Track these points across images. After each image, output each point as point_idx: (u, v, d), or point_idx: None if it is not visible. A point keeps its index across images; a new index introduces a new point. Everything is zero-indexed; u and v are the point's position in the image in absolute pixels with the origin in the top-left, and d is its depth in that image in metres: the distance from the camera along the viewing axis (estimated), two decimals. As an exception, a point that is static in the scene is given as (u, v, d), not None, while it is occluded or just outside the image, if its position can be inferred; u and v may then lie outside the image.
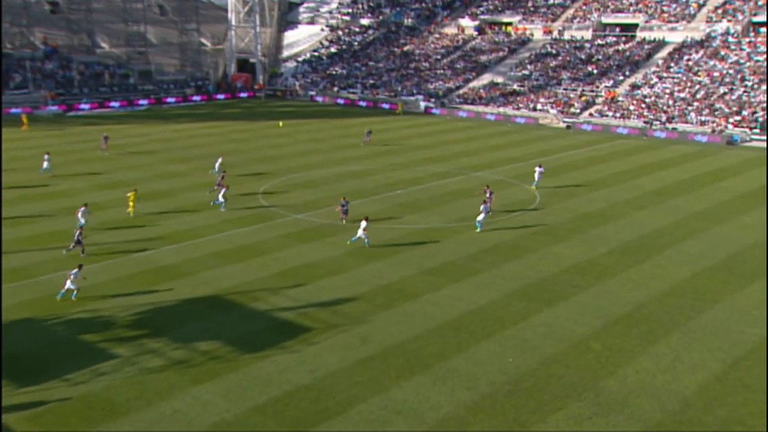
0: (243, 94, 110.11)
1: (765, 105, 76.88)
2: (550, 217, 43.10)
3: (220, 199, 44.01)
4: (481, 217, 39.91)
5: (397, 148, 66.57)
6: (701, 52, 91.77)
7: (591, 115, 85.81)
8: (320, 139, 72.36)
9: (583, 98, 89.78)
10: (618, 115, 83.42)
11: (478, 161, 61.21)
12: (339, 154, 63.93)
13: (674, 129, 77.23)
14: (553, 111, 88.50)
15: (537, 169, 50.44)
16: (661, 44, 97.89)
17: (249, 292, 30.77)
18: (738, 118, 76.12)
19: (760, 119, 74.78)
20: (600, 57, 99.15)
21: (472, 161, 61.27)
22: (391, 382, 23.24)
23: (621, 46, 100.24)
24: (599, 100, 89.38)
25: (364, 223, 36.47)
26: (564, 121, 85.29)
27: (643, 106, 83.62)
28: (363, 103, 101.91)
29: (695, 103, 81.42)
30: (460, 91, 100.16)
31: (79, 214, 38.08)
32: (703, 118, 77.85)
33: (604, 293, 30.95)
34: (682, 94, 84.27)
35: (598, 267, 34.39)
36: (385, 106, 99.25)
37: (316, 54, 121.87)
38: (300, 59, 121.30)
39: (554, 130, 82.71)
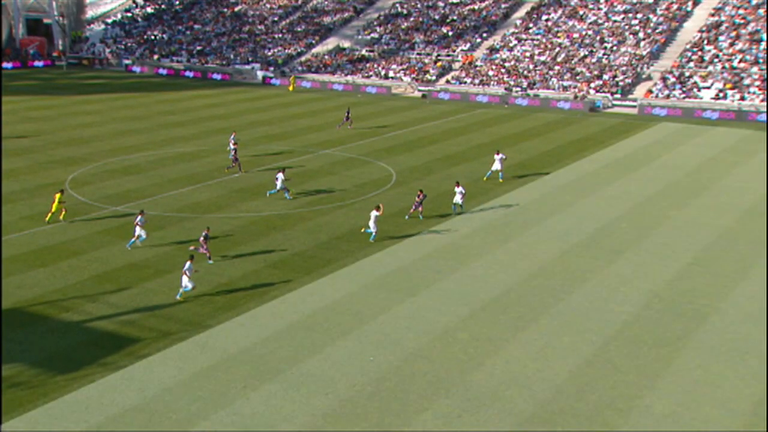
0: (38, 63, 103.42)
1: (624, 68, 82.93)
2: (408, 197, 44.14)
3: None
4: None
5: (233, 125, 65.36)
6: (560, 12, 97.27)
7: (448, 82, 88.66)
8: (140, 116, 69.61)
9: (439, 64, 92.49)
10: (477, 81, 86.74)
11: (327, 137, 61.45)
12: (164, 134, 61.87)
13: (536, 96, 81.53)
14: (407, 79, 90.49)
15: (497, 156, 49.70)
16: (518, 3, 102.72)
17: (59, 302, 29.12)
18: (599, 82, 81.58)
19: (621, 83, 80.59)
20: (455, 17, 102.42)
21: (320, 137, 61.42)
22: (237, 393, 22.92)
23: (477, 5, 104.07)
24: (456, 65, 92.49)
25: (375, 213, 36.25)
26: (419, 90, 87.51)
27: (503, 71, 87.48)
28: (190, 74, 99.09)
29: (556, 67, 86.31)
30: (303, 58, 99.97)
31: None
32: (565, 83, 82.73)
33: (469, 278, 32.19)
34: (542, 58, 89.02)
35: (461, 249, 35.69)
36: (217, 76, 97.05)
37: (128, 15, 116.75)
38: (109, 21, 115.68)
39: (409, 99, 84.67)
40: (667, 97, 77.02)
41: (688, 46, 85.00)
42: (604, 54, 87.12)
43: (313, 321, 28.04)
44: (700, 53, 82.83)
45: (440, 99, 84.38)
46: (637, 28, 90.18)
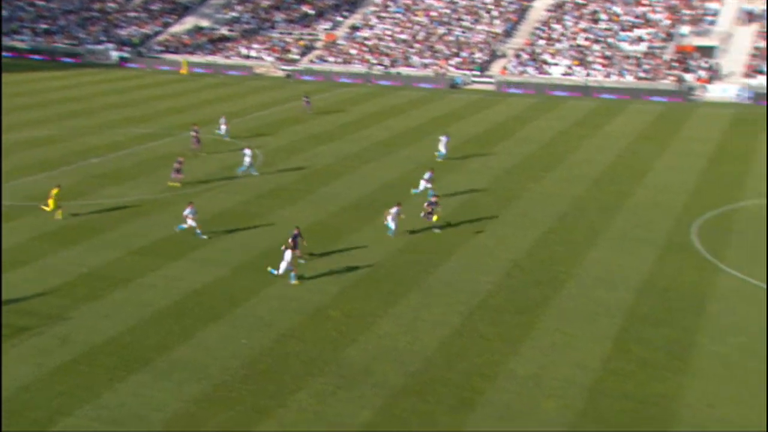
0: None
1: (481, 46, 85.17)
2: (276, 178, 43.66)
3: None
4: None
5: (86, 108, 62.28)
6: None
7: (312, 61, 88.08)
8: (-17, 99, 65.06)
9: (301, 43, 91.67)
10: (340, 60, 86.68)
11: (190, 119, 59.67)
12: (9, 119, 58.11)
13: (398, 74, 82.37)
14: (270, 58, 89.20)
15: (442, 138, 49.03)
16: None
17: None
18: (458, 60, 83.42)
19: (478, 61, 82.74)
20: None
21: (183, 119, 59.61)
22: (103, 386, 22.00)
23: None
24: (319, 44, 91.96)
25: (395, 210, 34.33)
26: (282, 70, 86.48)
27: (365, 49, 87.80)
28: (37, 56, 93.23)
29: (417, 45, 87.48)
30: (160, 38, 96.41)
31: None
32: (425, 61, 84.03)
33: (339, 256, 32.23)
34: (402, 36, 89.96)
35: (330, 228, 35.68)
36: (69, 59, 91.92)
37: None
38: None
39: (272, 79, 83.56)
40: (522, 73, 79.79)
41: (537, 25, 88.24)
42: (461, 32, 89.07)
43: (183, 307, 27.29)
44: (548, 31, 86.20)
45: (304, 79, 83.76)
46: (491, 6, 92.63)
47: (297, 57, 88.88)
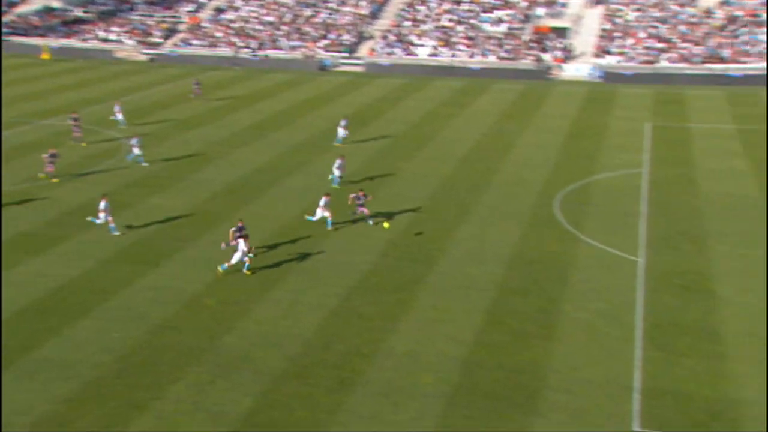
0: None
1: (349, 28, 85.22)
2: (144, 166, 42.17)
3: None
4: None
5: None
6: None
7: (176, 45, 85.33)
8: None
9: (164, 26, 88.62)
10: (205, 43, 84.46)
11: (46, 106, 56.64)
12: None
13: (266, 56, 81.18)
14: (131, 42, 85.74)
15: (342, 122, 47.83)
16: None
17: None
18: (326, 42, 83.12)
19: (346, 42, 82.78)
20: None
21: (38, 107, 56.46)
22: (-37, 394, 20.66)
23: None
24: (182, 27, 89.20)
25: (324, 200, 32.57)
26: (145, 53, 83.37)
27: (231, 32, 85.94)
28: None
29: (284, 27, 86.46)
30: (6, 19, 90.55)
31: None
32: (293, 44, 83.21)
33: (214, 244, 31.57)
34: (269, 18, 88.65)
35: (203, 215, 34.89)
36: None
37: None
38: None
39: (135, 64, 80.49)
40: (389, 55, 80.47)
41: (403, 6, 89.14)
42: (328, 13, 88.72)
43: (48, 303, 26.00)
44: (414, 13, 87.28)
45: (169, 63, 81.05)
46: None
47: (160, 40, 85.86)
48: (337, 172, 39.32)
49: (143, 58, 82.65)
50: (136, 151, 41.92)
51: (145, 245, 31.13)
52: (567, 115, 56.87)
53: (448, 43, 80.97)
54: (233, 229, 29.07)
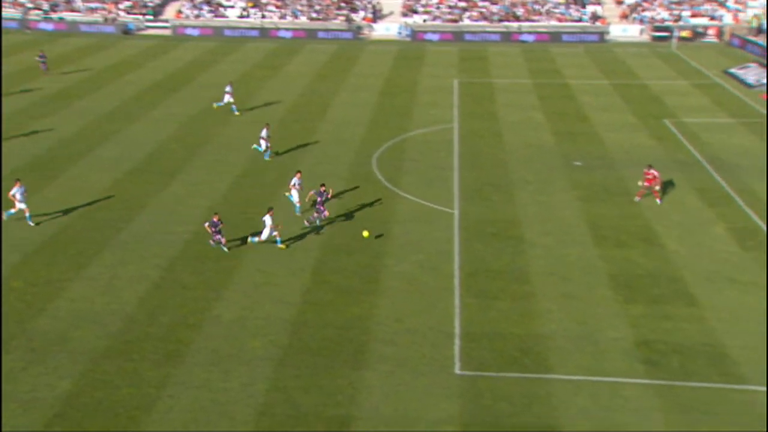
0: None
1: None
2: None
3: None
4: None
5: None
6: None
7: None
8: None
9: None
10: (-7, 6, 77.24)
11: None
12: None
13: (61, 19, 75.55)
14: None
15: (227, 88, 45.45)
16: None
17: None
18: (129, 3, 78.61)
19: (150, 4, 78.76)
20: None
21: None
22: None
23: None
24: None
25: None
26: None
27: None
28: None
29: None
30: None
31: None
32: (91, 5, 77.98)
33: (18, 223, 29.30)
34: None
35: (3, 194, 32.25)
36: None
37: None
38: None
39: None
40: (197, 17, 77.57)
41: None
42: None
43: None
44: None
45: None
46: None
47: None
48: (263, 143, 37.41)
49: None
50: None
51: (-61, 229, 28.39)
52: (379, 74, 57.69)
53: (257, 4, 79.24)
54: (207, 224, 27.02)
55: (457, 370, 20.68)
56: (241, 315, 23.31)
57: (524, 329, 22.71)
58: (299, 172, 31.25)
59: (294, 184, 30.63)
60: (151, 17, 77.35)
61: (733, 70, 57.06)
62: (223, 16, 77.79)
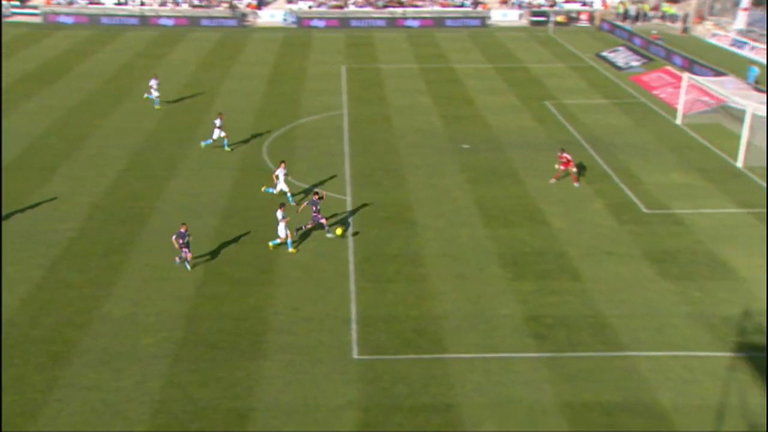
0: None
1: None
2: None
3: None
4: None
5: None
6: None
7: None
8: None
9: None
10: None
11: None
12: None
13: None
14: None
15: (152, 82, 42.68)
16: None
17: None
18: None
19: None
20: None
21: None
22: None
23: None
24: None
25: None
26: None
27: None
28: None
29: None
30: None
31: None
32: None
33: None
34: None
35: None
36: None
37: None
38: None
39: None
40: (71, 3, 74.02)
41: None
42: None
43: None
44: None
45: None
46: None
47: None
48: (219, 133, 36.37)
49: None
50: None
51: None
52: (266, 62, 56.90)
53: (137, -9, 76.46)
54: (174, 236, 24.89)
55: (355, 355, 20.81)
56: (132, 311, 22.61)
57: (419, 311, 23.07)
58: (283, 162, 30.85)
59: (278, 175, 30.33)
60: (17, 2, 73.14)
61: (604, 53, 59.66)
62: (98, 3, 74.59)
